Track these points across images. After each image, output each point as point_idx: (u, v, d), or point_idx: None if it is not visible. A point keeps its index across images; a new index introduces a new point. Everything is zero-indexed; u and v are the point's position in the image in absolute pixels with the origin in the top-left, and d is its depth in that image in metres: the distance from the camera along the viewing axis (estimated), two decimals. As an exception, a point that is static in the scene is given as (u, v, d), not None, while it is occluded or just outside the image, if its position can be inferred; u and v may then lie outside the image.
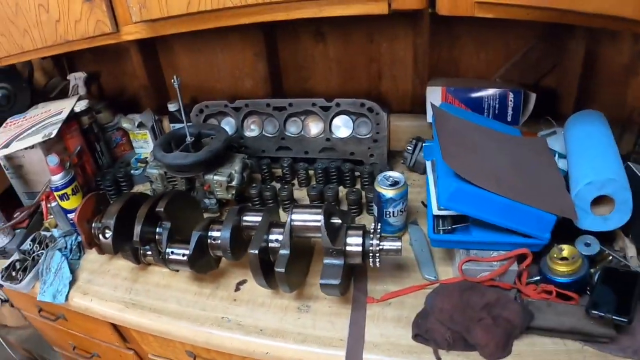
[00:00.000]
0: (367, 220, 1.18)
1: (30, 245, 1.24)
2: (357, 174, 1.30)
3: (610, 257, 0.95)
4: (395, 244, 0.93)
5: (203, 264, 1.04)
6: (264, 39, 1.40)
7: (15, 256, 1.22)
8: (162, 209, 1.04)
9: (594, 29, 1.13)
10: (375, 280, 1.02)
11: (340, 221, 0.95)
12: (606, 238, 0.96)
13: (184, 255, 1.02)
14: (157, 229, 1.08)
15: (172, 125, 1.49)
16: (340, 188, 1.28)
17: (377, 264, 0.93)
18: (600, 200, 0.91)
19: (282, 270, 0.90)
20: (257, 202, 1.24)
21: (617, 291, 0.86)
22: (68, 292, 1.12)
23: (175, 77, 1.14)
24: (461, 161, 0.92)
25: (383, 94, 1.41)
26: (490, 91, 1.20)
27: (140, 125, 1.50)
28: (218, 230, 1.01)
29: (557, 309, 0.87)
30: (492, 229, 0.93)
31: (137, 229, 1.04)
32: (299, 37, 1.40)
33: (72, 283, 1.14)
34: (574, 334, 0.85)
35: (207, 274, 1.08)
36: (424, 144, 1.21)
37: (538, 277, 0.93)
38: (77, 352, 1.48)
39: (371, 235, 0.93)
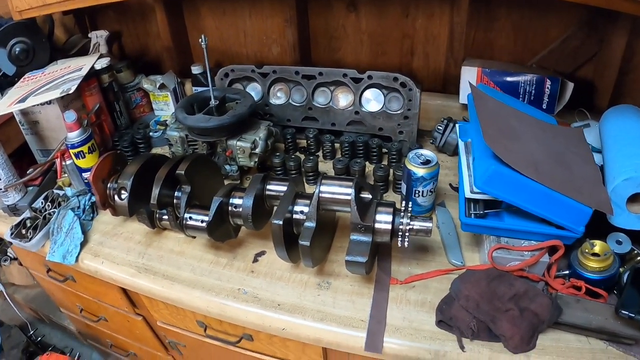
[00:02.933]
0: (393, 198, 1.15)
1: (42, 203, 1.21)
2: (384, 150, 1.26)
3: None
4: (426, 224, 0.90)
5: (222, 231, 1.00)
6: (296, 5, 1.35)
7: (27, 214, 1.18)
8: (182, 172, 1.00)
9: (637, 23, 1.10)
10: (399, 262, 0.99)
11: (370, 196, 0.92)
12: (636, 237, 0.94)
13: (202, 221, 0.99)
14: (176, 193, 1.05)
15: (194, 88, 1.45)
16: (366, 164, 1.25)
17: (406, 244, 0.90)
18: (636, 198, 0.89)
19: (307, 243, 0.87)
20: (279, 172, 1.20)
21: None
22: (79, 253, 1.09)
23: (202, 36, 1.09)
24: (502, 144, 0.89)
25: (414, 70, 1.38)
26: (527, 76, 1.17)
27: (162, 86, 1.46)
28: (240, 197, 0.98)
29: (586, 306, 0.85)
30: (525, 217, 0.91)
31: (155, 192, 1.01)
32: (331, 5, 1.36)
33: (83, 244, 1.11)
34: (601, 333, 0.83)
35: (224, 243, 1.05)
36: (456, 124, 1.18)
37: (567, 271, 0.91)
38: (84, 314, 1.46)
39: (402, 214, 0.90)
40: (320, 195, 0.91)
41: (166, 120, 1.47)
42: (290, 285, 0.97)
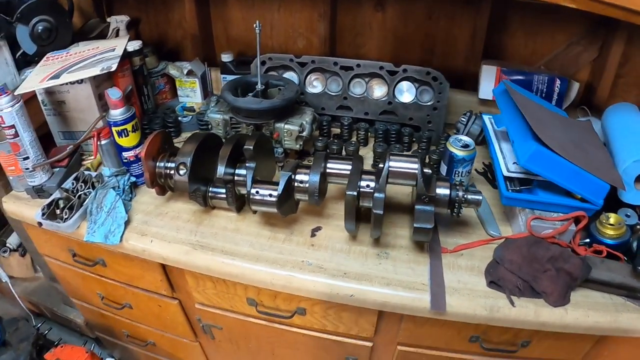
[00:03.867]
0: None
1: (73, 184, 1.19)
2: (413, 139, 1.37)
3: (642, 229, 1.10)
4: (478, 197, 1.02)
5: (287, 206, 1.05)
6: (330, 1, 1.44)
7: (57, 194, 1.16)
8: (250, 147, 1.04)
9: (633, 34, 1.28)
10: (445, 234, 1.10)
11: (430, 171, 1.02)
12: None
13: (271, 195, 1.03)
14: (237, 170, 1.08)
15: (222, 76, 1.50)
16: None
17: (460, 214, 1.02)
18: (642, 178, 1.05)
19: (381, 212, 0.96)
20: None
21: None
22: (123, 233, 1.09)
23: (257, 22, 1.14)
24: (542, 129, 1.03)
25: (433, 68, 1.49)
26: (540, 76, 1.33)
27: (190, 73, 1.49)
28: (305, 174, 1.05)
29: (609, 265, 0.99)
30: (555, 192, 1.06)
31: (222, 168, 1.05)
32: (361, 4, 1.46)
33: (127, 224, 1.11)
34: (621, 289, 0.98)
35: (281, 220, 1.10)
36: (479, 116, 1.31)
37: (587, 240, 1.06)
38: (105, 302, 1.42)
39: (457, 187, 1.02)
40: (389, 169, 1.01)
41: (192, 107, 1.52)
42: (352, 256, 1.04)
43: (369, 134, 1.40)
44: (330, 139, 1.31)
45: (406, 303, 0.97)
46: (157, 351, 1.60)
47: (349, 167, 1.06)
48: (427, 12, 1.42)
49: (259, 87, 1.24)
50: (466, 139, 1.16)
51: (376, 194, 0.98)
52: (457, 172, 1.16)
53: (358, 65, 1.33)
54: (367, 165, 1.30)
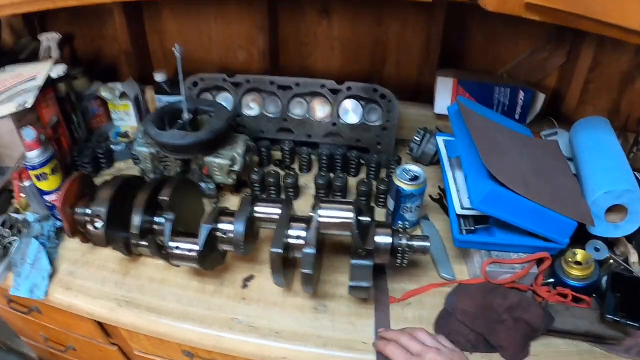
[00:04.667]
0: (377, 213, 1.13)
1: None
2: (361, 161, 1.25)
3: (612, 260, 0.99)
4: (425, 243, 0.90)
5: (211, 259, 0.95)
6: (268, 11, 1.31)
7: None
8: (166, 198, 0.93)
9: (604, 36, 1.15)
10: (392, 279, 0.99)
11: (369, 219, 0.91)
12: (608, 242, 1.00)
13: (191, 250, 0.92)
14: (156, 219, 0.97)
15: (157, 96, 1.36)
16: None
17: (405, 264, 0.91)
18: (612, 208, 0.94)
19: (310, 271, 0.85)
20: (257, 188, 1.16)
21: (626, 296, 0.89)
22: (47, 287, 1.00)
23: (176, 45, 1.01)
24: (496, 163, 0.90)
25: (385, 78, 1.37)
26: (502, 87, 1.20)
27: (122, 95, 1.36)
28: (230, 222, 0.93)
29: (574, 312, 0.89)
30: (514, 231, 0.94)
31: (137, 220, 0.93)
32: (304, 12, 1.32)
33: (51, 275, 1.02)
34: (587, 336, 0.88)
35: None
36: (433, 135, 1.19)
37: (552, 280, 0.95)
38: (49, 343, 1.35)
39: (400, 235, 0.90)
40: (319, 220, 0.89)
41: (127, 132, 1.38)
42: (286, 310, 0.94)
43: (313, 158, 1.27)
44: (267, 170, 1.17)
45: (345, 365, 0.87)
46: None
47: (280, 211, 0.94)
48: (376, 17, 1.28)
49: (185, 117, 1.11)
50: (415, 169, 1.03)
51: (305, 250, 0.87)
52: (405, 208, 1.03)
53: (297, 84, 1.19)
54: (308, 199, 1.19)
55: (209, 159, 1.10)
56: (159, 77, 1.32)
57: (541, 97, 1.20)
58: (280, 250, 0.86)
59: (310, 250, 0.86)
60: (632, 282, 0.93)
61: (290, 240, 0.91)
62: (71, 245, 1.08)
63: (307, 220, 0.91)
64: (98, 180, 1.08)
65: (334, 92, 1.20)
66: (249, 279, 1.00)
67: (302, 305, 0.95)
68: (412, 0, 0.86)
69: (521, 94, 1.19)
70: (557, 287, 0.94)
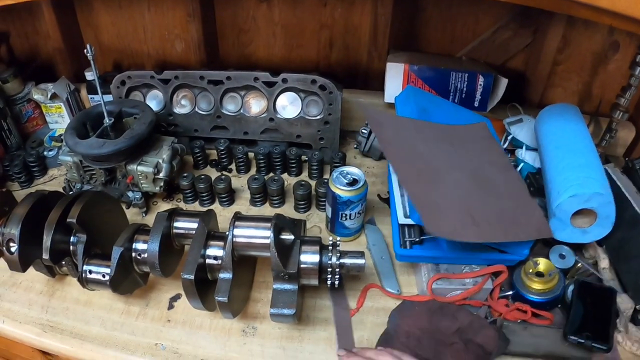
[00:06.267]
0: (318, 217, 1.03)
1: None
2: (304, 158, 1.14)
3: (580, 265, 0.89)
4: (358, 261, 0.80)
5: (128, 283, 0.85)
6: (199, -4, 1.18)
7: None
8: (74, 220, 0.82)
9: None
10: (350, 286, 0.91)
11: (292, 237, 0.79)
12: (577, 246, 0.90)
13: (104, 275, 0.82)
14: (73, 238, 0.87)
15: (90, 96, 1.26)
16: (284, 175, 1.13)
17: (336, 284, 0.80)
18: (579, 212, 0.84)
19: (225, 299, 0.75)
20: (189, 195, 1.05)
21: (593, 311, 0.80)
22: None
23: (88, 46, 0.90)
24: (431, 210, 0.79)
25: (333, 65, 1.25)
26: (459, 73, 1.07)
27: (54, 96, 1.25)
28: (144, 242, 0.82)
29: (533, 331, 0.80)
30: (465, 243, 0.82)
31: (47, 243, 0.83)
32: (240, -5, 1.18)
33: None
34: (549, 359, 0.79)
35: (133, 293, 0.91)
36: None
37: (510, 292, 0.86)
38: None
39: (330, 254, 0.79)
40: (234, 240, 0.78)
41: (61, 135, 1.27)
42: (212, 334, 0.85)
43: (251, 157, 1.16)
44: (197, 175, 1.05)
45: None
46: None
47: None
48: (319, -1, 1.15)
49: (106, 122, 1.00)
50: (354, 171, 0.91)
51: (222, 274, 0.76)
52: (344, 216, 0.92)
53: (229, 78, 1.07)
54: (246, 205, 1.08)
55: (131, 167, 0.99)
56: (89, 75, 1.22)
57: (504, 82, 1.07)
58: (191, 277, 0.75)
59: (226, 275, 0.76)
60: (600, 293, 0.84)
61: (208, 261, 0.80)
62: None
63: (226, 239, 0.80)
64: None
65: (270, 85, 1.08)
66: (175, 298, 0.91)
67: (230, 327, 0.85)
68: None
69: (480, 79, 1.06)
70: (516, 301, 0.84)
